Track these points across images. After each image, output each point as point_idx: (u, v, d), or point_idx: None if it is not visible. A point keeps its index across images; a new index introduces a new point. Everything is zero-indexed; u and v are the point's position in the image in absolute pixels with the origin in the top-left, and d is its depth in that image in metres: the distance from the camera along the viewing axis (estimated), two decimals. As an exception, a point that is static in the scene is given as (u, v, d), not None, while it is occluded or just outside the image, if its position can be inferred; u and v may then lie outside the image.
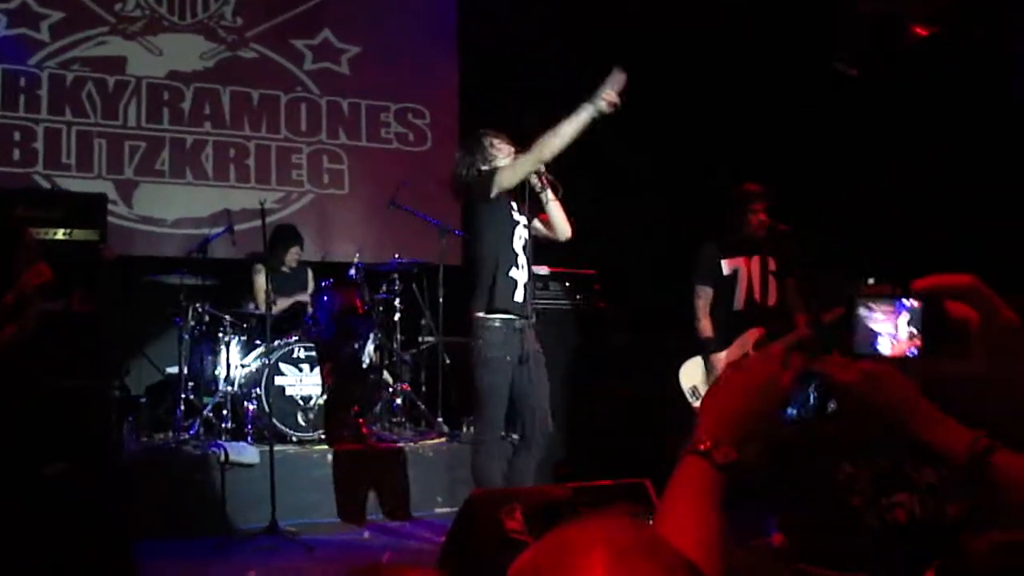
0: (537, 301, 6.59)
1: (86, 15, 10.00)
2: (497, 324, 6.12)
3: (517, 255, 6.23)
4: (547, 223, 6.41)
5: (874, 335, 1.49)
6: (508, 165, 6.18)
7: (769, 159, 8.64)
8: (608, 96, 5.78)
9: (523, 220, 6.31)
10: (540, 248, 6.56)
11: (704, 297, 7.34)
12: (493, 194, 6.13)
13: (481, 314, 6.13)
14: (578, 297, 8.75)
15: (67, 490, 5.35)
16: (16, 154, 9.61)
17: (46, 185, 9.53)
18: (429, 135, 11.26)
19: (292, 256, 9.42)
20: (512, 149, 6.30)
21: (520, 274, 6.22)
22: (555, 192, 6.26)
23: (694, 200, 7.94)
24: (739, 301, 7.31)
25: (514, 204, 6.27)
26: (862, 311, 1.50)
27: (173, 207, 10.12)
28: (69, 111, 9.84)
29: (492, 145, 6.32)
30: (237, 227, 8.98)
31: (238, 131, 10.47)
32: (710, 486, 1.59)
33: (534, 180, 6.19)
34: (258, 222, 7.72)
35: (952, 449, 1.43)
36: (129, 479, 7.27)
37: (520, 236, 6.27)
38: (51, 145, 9.70)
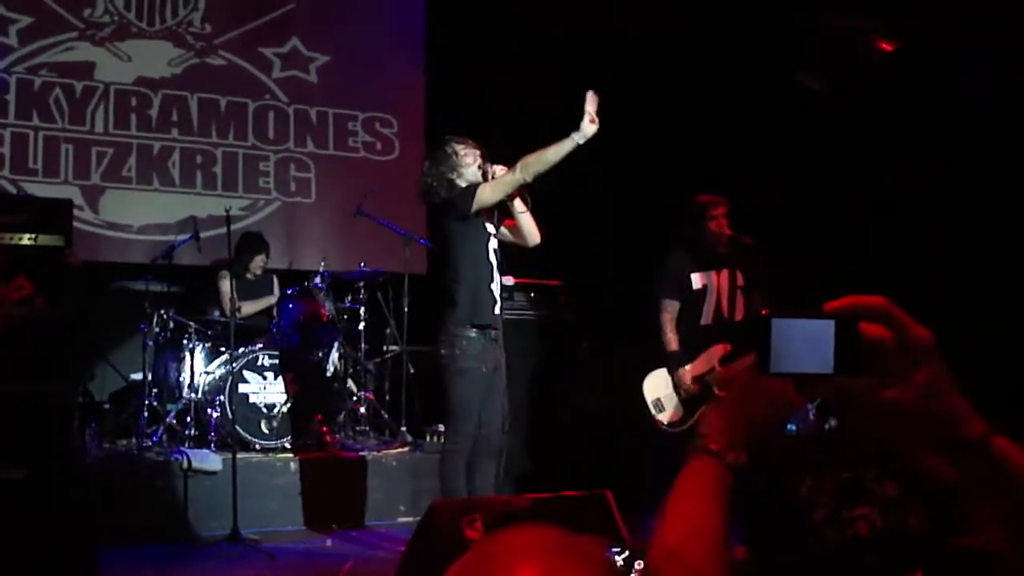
0: (503, 312, 6.59)
1: (54, 20, 9.95)
2: (474, 335, 6.13)
3: (493, 268, 6.24)
4: (514, 230, 6.40)
5: (788, 357, 1.50)
6: (489, 184, 6.14)
7: (733, 168, 8.67)
8: (590, 120, 5.81)
9: (493, 230, 6.32)
10: (504, 258, 6.50)
11: (671, 311, 7.17)
12: (472, 211, 6.13)
13: (458, 326, 6.14)
14: (543, 308, 8.75)
15: (29, 495, 5.33)
16: (-18, 158, 9.57)
17: (12, 190, 9.46)
18: (397, 144, 11.25)
19: (257, 263, 9.41)
20: (478, 153, 6.29)
21: (496, 287, 6.24)
22: (525, 202, 6.28)
23: (658, 209, 7.96)
24: (707, 316, 7.18)
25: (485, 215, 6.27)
26: (775, 332, 1.51)
27: (139, 213, 10.07)
28: (36, 116, 9.78)
29: (457, 153, 6.29)
30: (203, 234, 8.94)
31: (205, 138, 10.43)
32: (719, 484, 1.66)
33: None
34: (224, 229, 7.74)
35: (969, 430, 1.41)
36: (91, 485, 7.22)
37: (493, 248, 6.29)
38: (18, 150, 9.64)
